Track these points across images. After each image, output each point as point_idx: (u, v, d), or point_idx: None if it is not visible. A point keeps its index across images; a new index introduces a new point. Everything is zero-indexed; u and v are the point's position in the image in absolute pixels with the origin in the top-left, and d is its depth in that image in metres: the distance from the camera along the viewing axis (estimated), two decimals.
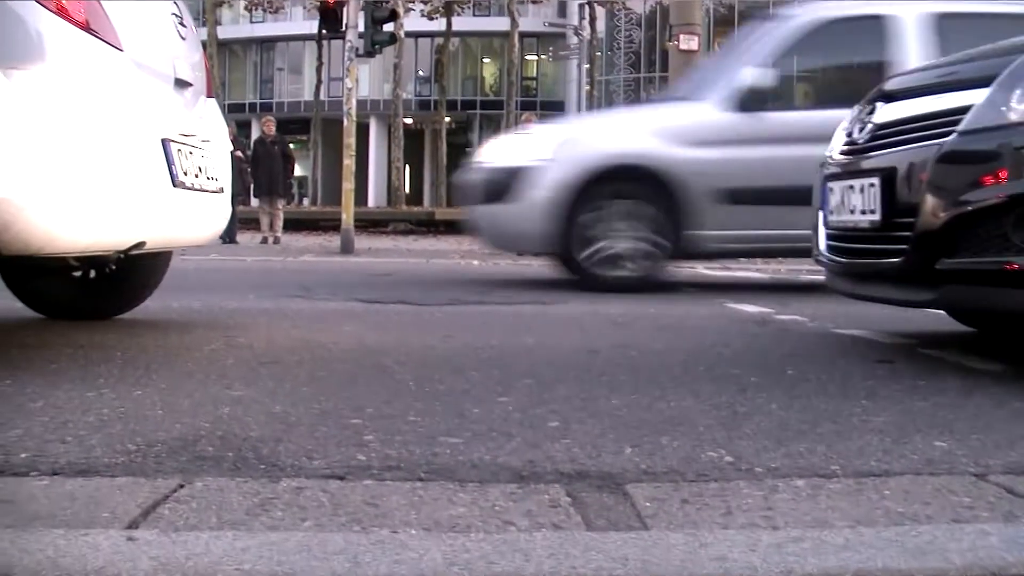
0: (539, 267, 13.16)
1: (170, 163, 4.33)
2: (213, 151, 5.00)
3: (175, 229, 4.60)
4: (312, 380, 3.63)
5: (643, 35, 56.42)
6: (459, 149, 60.02)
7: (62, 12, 3.75)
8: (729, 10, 54.65)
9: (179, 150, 4.46)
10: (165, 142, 4.33)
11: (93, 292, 5.41)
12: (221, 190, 5.05)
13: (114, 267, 5.02)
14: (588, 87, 42.56)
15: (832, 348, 4.86)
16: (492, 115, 60.99)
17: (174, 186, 4.35)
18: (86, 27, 3.86)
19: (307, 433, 2.78)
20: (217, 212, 5.02)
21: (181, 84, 4.71)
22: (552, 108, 57.79)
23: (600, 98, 51.35)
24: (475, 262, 14.62)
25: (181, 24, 4.87)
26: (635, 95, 56.96)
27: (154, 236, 4.42)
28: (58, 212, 3.69)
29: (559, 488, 2.26)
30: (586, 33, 35.07)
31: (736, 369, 4.02)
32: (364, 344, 4.60)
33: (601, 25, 49.81)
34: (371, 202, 57.96)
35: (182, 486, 2.23)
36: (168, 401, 3.20)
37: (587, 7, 41.95)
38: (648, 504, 2.15)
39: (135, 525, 1.96)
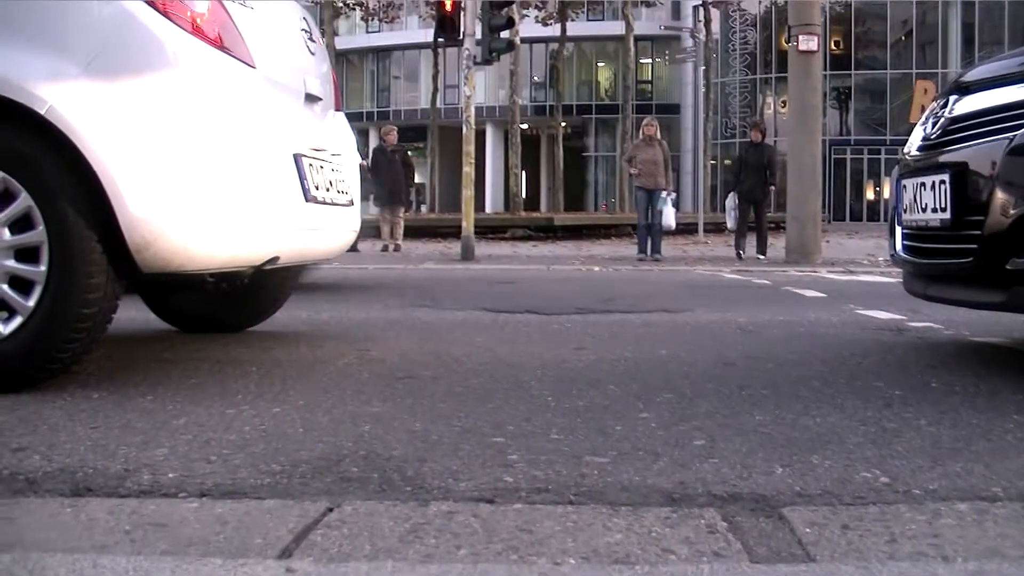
0: (660, 272, 13.08)
1: (302, 178, 4.34)
2: (343, 164, 5.02)
3: (308, 243, 4.61)
4: (449, 396, 3.61)
5: (758, 36, 55.97)
6: (575, 154, 60.17)
7: (197, 31, 3.79)
8: (846, 8, 54.00)
9: (310, 164, 4.47)
10: (297, 157, 4.34)
11: (226, 306, 5.46)
12: (351, 203, 5.06)
13: (246, 282, 5.06)
14: (704, 89, 42.23)
15: (974, 358, 4.72)
16: (607, 119, 60.96)
17: (306, 201, 4.37)
18: (220, 45, 3.89)
19: (450, 452, 2.76)
20: (347, 225, 5.04)
21: (311, 99, 4.72)
22: (668, 111, 57.81)
23: (716, 100, 51.02)
24: (596, 268, 14.61)
25: (310, 39, 4.89)
26: (751, 96, 56.52)
27: (288, 251, 4.44)
28: (196, 230, 3.72)
29: (713, 512, 2.20)
30: (702, 35, 34.80)
31: (878, 382, 3.92)
32: (497, 357, 4.57)
33: (716, 27, 49.44)
34: (488, 207, 58.16)
35: (331, 509, 2.22)
36: (307, 418, 3.20)
37: (702, 9, 41.71)
38: (808, 530, 2.08)
39: (289, 553, 1.95)
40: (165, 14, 3.70)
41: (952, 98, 4.40)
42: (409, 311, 7.11)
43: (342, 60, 56.77)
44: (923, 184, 4.36)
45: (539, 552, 1.95)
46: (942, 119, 4.39)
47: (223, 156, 3.79)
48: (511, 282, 11.02)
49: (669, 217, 17.30)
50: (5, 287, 3.60)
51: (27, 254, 3.60)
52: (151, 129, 3.60)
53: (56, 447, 2.82)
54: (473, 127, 17.50)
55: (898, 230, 4.77)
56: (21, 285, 3.60)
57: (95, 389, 3.71)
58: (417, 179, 27.56)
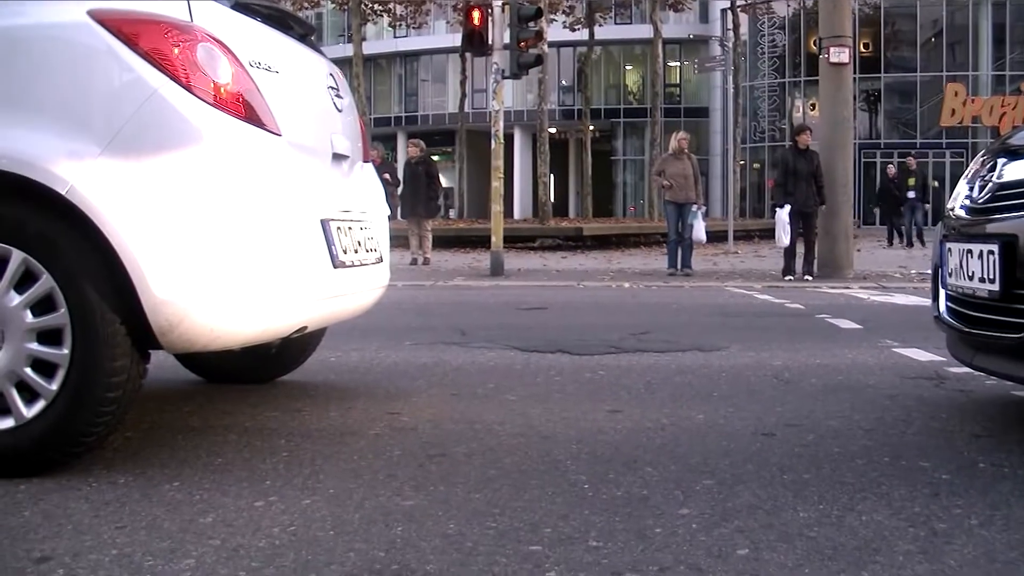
0: (691, 290, 12.91)
1: (330, 244, 4.25)
2: (371, 220, 4.93)
3: (336, 307, 4.52)
4: (483, 483, 3.50)
5: (787, 38, 55.66)
6: (603, 158, 60.06)
7: (220, 103, 3.70)
8: (875, 10, 53.64)
9: (338, 228, 4.38)
10: (324, 223, 4.25)
11: (254, 359, 5.37)
12: (380, 260, 4.97)
13: (273, 351, 5.03)
14: (733, 93, 41.95)
15: (1019, 423, 4.58)
16: (636, 123, 60.83)
17: (334, 267, 4.28)
18: (244, 116, 3.79)
19: (485, 567, 2.66)
20: (376, 282, 4.94)
21: (338, 158, 4.64)
22: (696, 115, 57.73)
23: (745, 104, 50.78)
24: (625, 284, 14.53)
25: (338, 95, 4.80)
26: (780, 100, 56.26)
27: (315, 318, 4.36)
28: (222, 309, 3.64)
29: None
30: (730, 43, 34.60)
31: (924, 461, 3.80)
32: (531, 426, 4.45)
33: (744, 29, 49.17)
34: (517, 213, 58.06)
35: None
36: (337, 515, 3.12)
37: (730, 13, 41.47)
38: None
39: None
40: (188, 87, 3.61)
41: (1000, 161, 4.25)
42: (439, 350, 7.01)
43: (369, 64, 56.73)
44: (970, 251, 4.22)
45: None
46: (990, 183, 4.25)
47: (248, 232, 3.70)
48: (542, 307, 10.92)
49: (700, 231, 17.17)
50: (28, 370, 3.53)
51: (50, 336, 3.53)
52: (173, 208, 3.53)
53: (80, 556, 2.75)
54: (501, 142, 17.42)
55: (942, 292, 4.64)
56: (44, 368, 3.53)
57: (120, 471, 3.64)
58: (445, 184, 27.44)
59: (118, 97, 3.57)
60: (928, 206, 29.59)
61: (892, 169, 31.10)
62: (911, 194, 28.10)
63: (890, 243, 28.54)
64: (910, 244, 27.60)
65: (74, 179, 3.43)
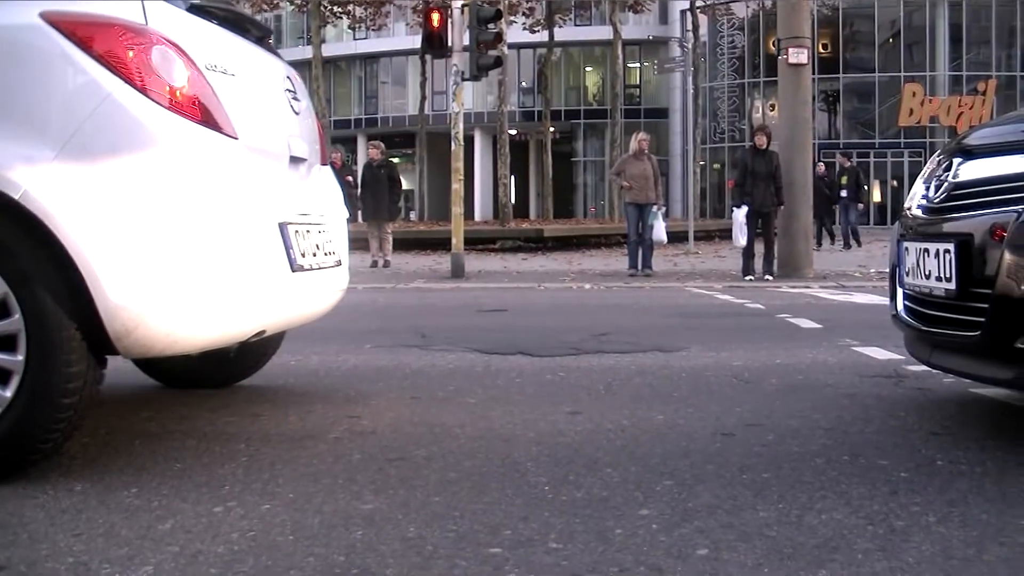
0: (651, 291, 12.93)
1: (288, 248, 4.23)
2: (330, 223, 4.91)
3: (294, 311, 4.51)
4: (443, 486, 3.48)
5: (746, 39, 55.91)
6: (564, 159, 60.14)
7: (175, 107, 3.66)
8: (834, 12, 53.96)
9: (296, 231, 4.36)
10: (283, 227, 4.23)
11: (213, 363, 5.34)
12: (338, 263, 4.95)
13: (232, 355, 5.00)
14: (693, 94, 42.05)
15: (976, 421, 4.62)
16: (596, 124, 60.94)
17: (293, 271, 4.26)
18: (199, 119, 3.76)
19: (445, 570, 2.65)
20: (335, 285, 4.93)
21: (296, 161, 4.62)
22: (656, 116, 57.84)
23: (705, 105, 50.95)
24: (587, 286, 14.55)
25: (295, 98, 4.78)
26: (739, 101, 56.50)
27: (274, 323, 4.34)
28: (178, 314, 3.61)
29: None
30: (689, 44, 34.69)
31: (883, 459, 3.81)
32: (491, 428, 4.44)
33: (703, 30, 49.31)
34: (477, 215, 58.07)
35: None
36: (297, 520, 3.10)
37: (689, 14, 41.59)
38: None
39: None
40: (142, 90, 3.58)
41: (956, 161, 4.28)
42: (399, 353, 6.99)
43: (329, 67, 56.57)
44: (927, 250, 4.25)
45: None
46: (946, 183, 4.28)
47: (204, 237, 3.67)
48: (502, 309, 10.93)
49: (660, 232, 17.20)
50: None
51: (3, 343, 3.48)
52: (128, 213, 3.50)
53: (36, 565, 2.73)
54: (461, 144, 17.41)
55: (899, 291, 4.66)
56: None
57: (78, 477, 3.61)
58: (405, 186, 27.36)
59: (72, 101, 3.54)
60: (861, 205, 29.27)
61: (821, 167, 28.97)
62: (844, 193, 27.46)
63: (819, 244, 26.32)
64: (847, 245, 27.29)
65: (27, 184, 3.39)
